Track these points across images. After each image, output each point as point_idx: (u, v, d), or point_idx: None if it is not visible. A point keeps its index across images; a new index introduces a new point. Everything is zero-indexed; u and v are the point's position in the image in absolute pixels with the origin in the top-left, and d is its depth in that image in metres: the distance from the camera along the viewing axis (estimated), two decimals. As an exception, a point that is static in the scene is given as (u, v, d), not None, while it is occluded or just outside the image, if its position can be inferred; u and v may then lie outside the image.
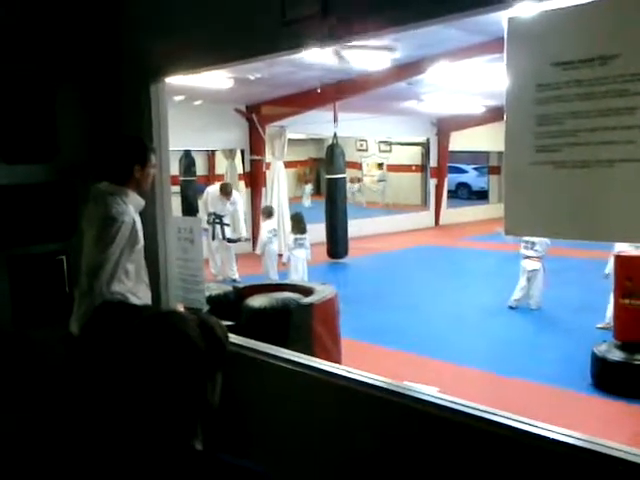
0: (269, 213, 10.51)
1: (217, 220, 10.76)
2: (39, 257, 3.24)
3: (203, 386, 1.34)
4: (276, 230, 10.75)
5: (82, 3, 3.17)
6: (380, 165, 25.34)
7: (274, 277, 9.71)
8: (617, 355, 5.84)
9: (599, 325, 7.51)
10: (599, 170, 1.55)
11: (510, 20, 1.68)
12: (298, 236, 9.76)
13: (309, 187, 25.27)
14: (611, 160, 1.53)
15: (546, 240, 8.39)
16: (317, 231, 12.70)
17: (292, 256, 9.68)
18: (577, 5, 1.57)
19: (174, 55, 2.85)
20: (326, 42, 2.29)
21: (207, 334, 1.36)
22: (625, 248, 6.24)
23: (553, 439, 1.79)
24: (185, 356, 1.32)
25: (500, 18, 1.75)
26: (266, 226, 10.25)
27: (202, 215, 10.91)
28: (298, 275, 9.41)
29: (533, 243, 8.56)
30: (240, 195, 12.18)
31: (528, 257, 8.67)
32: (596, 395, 5.77)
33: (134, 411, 1.30)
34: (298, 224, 9.90)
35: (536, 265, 8.61)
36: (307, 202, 23.36)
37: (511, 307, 8.81)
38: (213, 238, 10.81)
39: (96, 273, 2.76)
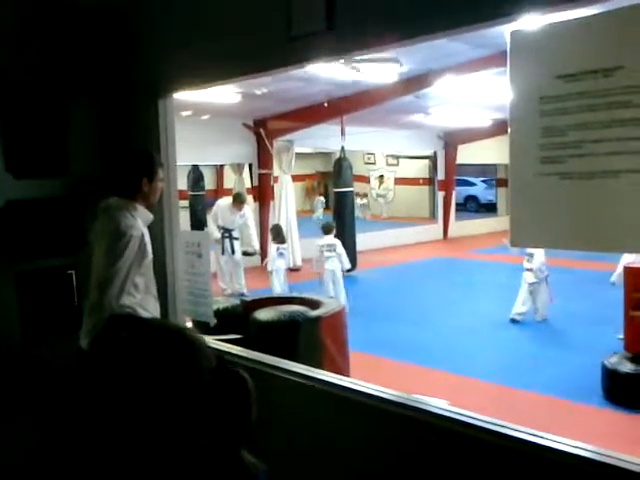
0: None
1: (226, 234, 10.78)
2: (48, 271, 3.27)
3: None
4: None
5: (94, 20, 3.22)
6: (381, 178, 25.33)
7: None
8: (628, 367, 5.78)
9: (620, 336, 7.37)
10: (605, 181, 1.56)
11: (513, 33, 1.69)
12: (279, 246, 9.86)
13: (321, 199, 25.22)
14: (616, 171, 1.53)
15: (541, 258, 8.39)
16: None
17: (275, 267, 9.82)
18: (579, 18, 1.59)
19: (181, 71, 2.89)
20: (332, 57, 2.32)
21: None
22: (633, 259, 6.20)
23: (566, 452, 1.77)
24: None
25: (504, 31, 1.77)
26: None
27: (212, 227, 10.88)
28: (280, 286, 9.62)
29: (532, 255, 8.49)
30: (249, 208, 12.20)
31: (529, 270, 8.60)
32: (607, 408, 5.72)
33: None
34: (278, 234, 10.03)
35: (535, 278, 8.55)
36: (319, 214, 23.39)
37: (513, 320, 8.63)
38: (223, 252, 10.82)
39: (105, 287, 2.78)
